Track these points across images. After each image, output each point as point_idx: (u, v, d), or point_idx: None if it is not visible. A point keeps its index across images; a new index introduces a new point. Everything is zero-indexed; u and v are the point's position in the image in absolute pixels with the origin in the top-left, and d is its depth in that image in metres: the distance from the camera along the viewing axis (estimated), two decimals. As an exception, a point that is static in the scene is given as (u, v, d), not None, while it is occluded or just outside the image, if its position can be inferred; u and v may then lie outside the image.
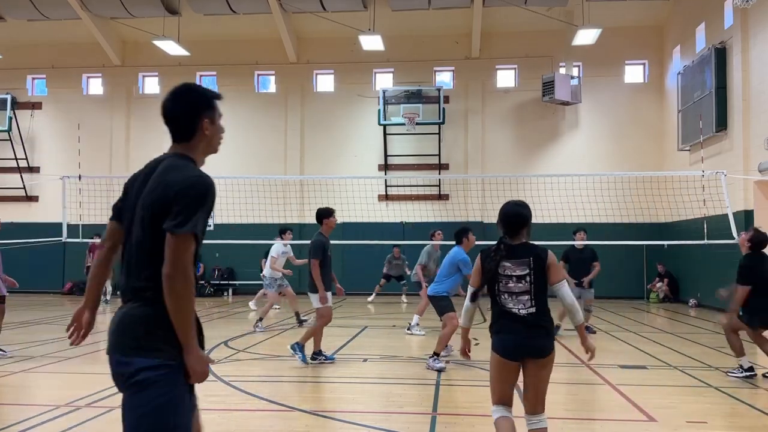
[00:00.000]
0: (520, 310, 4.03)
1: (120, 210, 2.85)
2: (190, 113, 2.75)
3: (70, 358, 9.01)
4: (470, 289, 4.24)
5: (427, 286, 11.04)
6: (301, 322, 12.87)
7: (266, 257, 13.38)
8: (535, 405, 4.14)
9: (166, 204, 2.55)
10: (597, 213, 16.78)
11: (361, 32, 18.92)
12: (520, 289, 4.04)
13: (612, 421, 5.89)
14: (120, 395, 2.64)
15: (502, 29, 21.67)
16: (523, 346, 4.03)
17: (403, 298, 18.49)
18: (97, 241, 18.96)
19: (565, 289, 4.16)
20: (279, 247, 12.92)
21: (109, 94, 23.39)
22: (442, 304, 8.79)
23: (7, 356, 9.05)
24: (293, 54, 22.30)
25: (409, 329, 11.83)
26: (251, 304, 16.77)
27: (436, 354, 8.37)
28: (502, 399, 4.17)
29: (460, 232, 8.95)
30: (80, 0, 20.25)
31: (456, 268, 8.77)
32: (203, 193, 2.63)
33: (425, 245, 13.55)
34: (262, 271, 15.77)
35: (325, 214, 8.73)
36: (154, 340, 2.54)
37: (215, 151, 2.93)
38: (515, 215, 4.17)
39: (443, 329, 8.67)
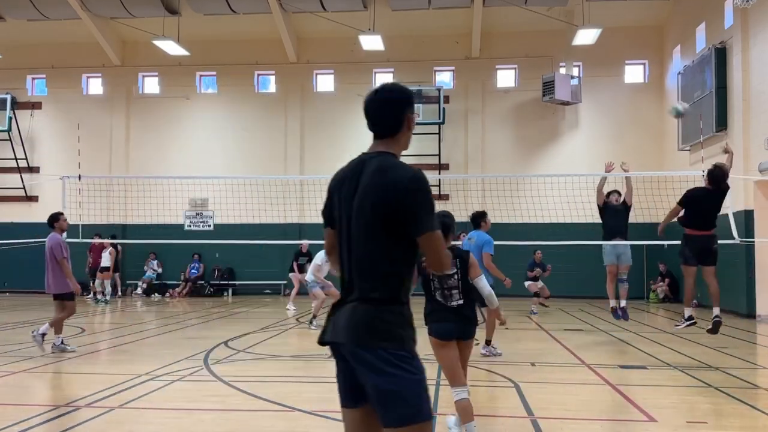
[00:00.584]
0: (451, 303, 4.89)
1: (331, 214, 2.91)
2: (397, 110, 2.89)
3: (70, 358, 9.01)
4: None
5: None
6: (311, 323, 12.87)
7: (297, 258, 13.74)
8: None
9: (395, 204, 2.66)
10: (597, 213, 16.74)
11: (361, 32, 18.92)
12: (450, 285, 4.89)
13: (612, 421, 5.89)
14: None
15: (502, 29, 21.66)
16: (454, 331, 4.88)
17: None
18: (98, 241, 19.00)
19: (483, 282, 5.05)
20: (323, 255, 12.71)
21: (108, 94, 23.39)
22: None
23: (70, 350, 9.34)
24: (293, 54, 22.30)
25: None
26: (290, 305, 16.44)
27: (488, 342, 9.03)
28: (454, 374, 4.85)
29: (478, 216, 9.04)
30: (80, 0, 20.25)
31: (479, 249, 8.72)
32: (428, 188, 2.74)
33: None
34: (291, 271, 16.15)
35: None
36: (389, 334, 2.65)
37: (407, 147, 3.02)
38: (447, 224, 4.79)
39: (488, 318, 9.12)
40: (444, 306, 4.90)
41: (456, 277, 4.88)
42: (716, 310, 8.77)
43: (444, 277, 4.85)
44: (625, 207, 11.36)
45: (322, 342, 2.81)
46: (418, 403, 2.60)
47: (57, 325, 9.39)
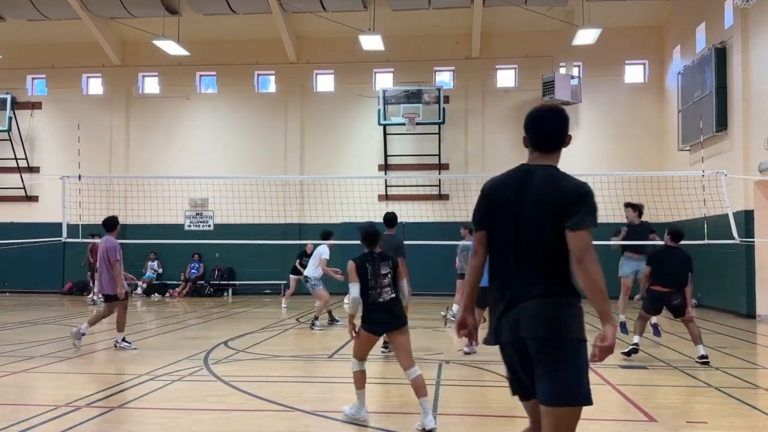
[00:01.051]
0: (385, 298, 5.71)
1: (487, 217, 3.21)
2: (567, 128, 3.26)
3: (70, 358, 9.01)
4: (355, 286, 5.70)
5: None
6: (332, 321, 13.17)
7: (300, 258, 13.76)
8: (407, 361, 5.69)
9: (567, 206, 3.00)
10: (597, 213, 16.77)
11: (361, 32, 18.91)
12: (385, 283, 5.75)
13: (612, 421, 5.89)
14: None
15: (502, 29, 21.66)
16: (387, 323, 5.72)
17: None
18: (98, 241, 18.91)
19: (405, 284, 5.98)
20: (326, 250, 12.79)
21: (108, 94, 23.39)
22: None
23: (132, 348, 9.65)
24: (293, 54, 22.30)
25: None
26: (283, 301, 16.84)
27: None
28: (363, 356, 5.87)
29: None
30: (80, 0, 20.25)
31: None
32: (593, 195, 3.11)
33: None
34: (297, 272, 15.93)
35: None
36: (576, 326, 3.03)
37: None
38: (374, 233, 5.92)
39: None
40: (379, 305, 5.69)
41: (390, 276, 5.76)
42: (700, 349, 8.68)
43: (379, 278, 5.72)
44: (646, 227, 11.49)
45: (498, 342, 3.09)
46: (588, 388, 2.97)
47: (118, 325, 9.82)
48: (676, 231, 9.20)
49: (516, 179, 3.19)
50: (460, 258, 13.18)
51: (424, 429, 5.36)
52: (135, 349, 9.69)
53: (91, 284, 19.59)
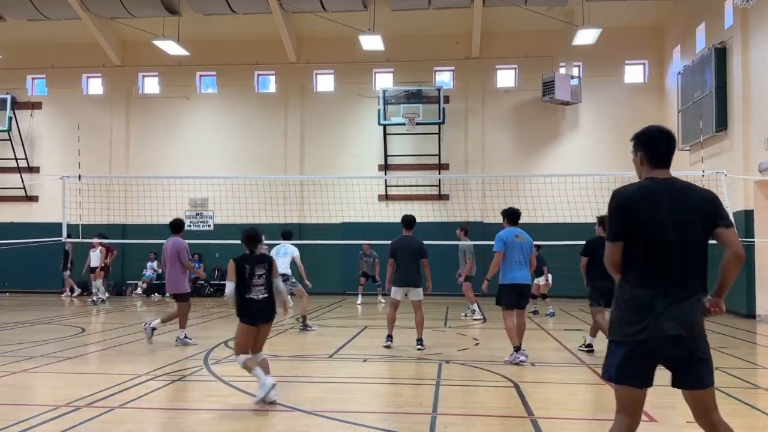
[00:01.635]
0: (259, 296, 6.51)
1: (630, 229, 3.53)
2: (674, 148, 3.75)
3: (70, 358, 9.01)
4: (231, 284, 6.47)
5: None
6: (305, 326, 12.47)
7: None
8: (259, 348, 6.67)
9: (715, 210, 3.52)
10: (597, 213, 16.73)
11: (361, 32, 18.91)
12: (259, 282, 6.51)
13: (612, 421, 5.88)
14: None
15: (502, 29, 21.66)
16: (261, 316, 6.56)
17: (380, 298, 18.48)
18: (96, 240, 18.89)
19: (280, 281, 6.81)
20: (296, 249, 12.61)
21: (108, 94, 23.39)
22: None
23: (192, 344, 9.87)
24: (293, 54, 22.30)
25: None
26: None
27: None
28: (246, 350, 6.55)
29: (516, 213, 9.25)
30: (80, 0, 20.25)
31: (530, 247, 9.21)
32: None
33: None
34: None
35: None
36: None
37: None
38: (254, 236, 6.69)
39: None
40: (255, 301, 6.49)
41: (265, 276, 6.52)
42: (590, 339, 9.61)
43: (254, 278, 6.49)
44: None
45: (666, 336, 3.41)
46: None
47: (180, 321, 10.13)
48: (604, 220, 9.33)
49: (665, 191, 3.54)
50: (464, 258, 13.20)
51: (265, 400, 6.14)
52: (195, 344, 9.98)
53: (90, 285, 19.52)
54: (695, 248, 3.50)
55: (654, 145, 3.70)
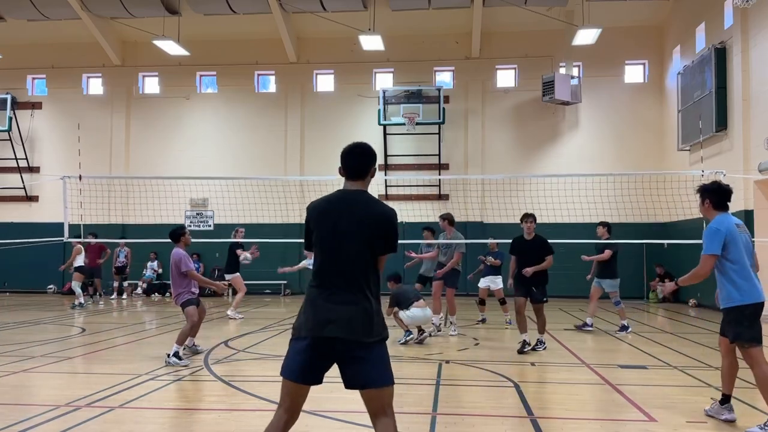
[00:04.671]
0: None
1: None
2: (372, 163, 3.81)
3: (70, 358, 9.01)
4: None
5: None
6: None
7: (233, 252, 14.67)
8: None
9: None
10: (597, 213, 16.77)
11: (361, 32, 18.91)
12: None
13: (612, 421, 5.89)
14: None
15: (502, 29, 21.67)
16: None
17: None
18: (94, 241, 18.77)
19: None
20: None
21: (109, 94, 23.39)
22: None
23: (200, 350, 9.52)
24: (293, 54, 22.30)
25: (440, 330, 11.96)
26: (231, 313, 14.75)
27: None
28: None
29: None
30: (80, 0, 20.25)
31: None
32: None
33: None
34: (232, 268, 15.29)
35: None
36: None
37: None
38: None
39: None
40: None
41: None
42: (529, 337, 9.80)
43: None
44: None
45: None
46: None
47: (192, 331, 9.46)
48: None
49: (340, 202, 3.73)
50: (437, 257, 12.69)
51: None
52: (202, 351, 9.52)
53: (89, 285, 19.42)
54: None
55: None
